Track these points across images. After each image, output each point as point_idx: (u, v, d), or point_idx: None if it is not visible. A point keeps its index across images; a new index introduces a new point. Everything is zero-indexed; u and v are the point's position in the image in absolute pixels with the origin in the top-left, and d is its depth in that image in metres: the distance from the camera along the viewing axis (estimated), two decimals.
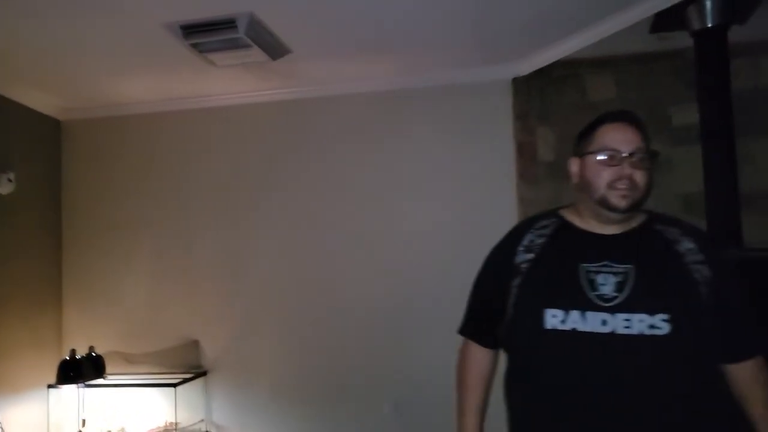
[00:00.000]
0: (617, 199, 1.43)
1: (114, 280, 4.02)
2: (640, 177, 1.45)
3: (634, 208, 1.45)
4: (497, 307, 1.54)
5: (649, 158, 1.46)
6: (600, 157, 1.46)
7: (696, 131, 3.20)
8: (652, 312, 1.35)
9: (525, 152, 3.51)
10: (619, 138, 1.46)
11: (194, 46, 3.03)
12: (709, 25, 2.91)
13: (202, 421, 3.79)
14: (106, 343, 3.91)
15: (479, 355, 1.64)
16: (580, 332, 1.38)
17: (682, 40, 3.14)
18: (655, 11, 2.91)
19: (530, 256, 1.51)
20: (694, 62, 3.02)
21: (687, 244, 1.45)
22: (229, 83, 3.70)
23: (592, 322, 1.37)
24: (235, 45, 3.02)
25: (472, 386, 1.63)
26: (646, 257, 1.43)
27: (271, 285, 3.82)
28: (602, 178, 1.45)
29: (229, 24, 2.88)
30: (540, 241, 1.53)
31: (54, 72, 3.48)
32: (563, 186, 3.40)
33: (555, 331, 1.40)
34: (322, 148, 3.80)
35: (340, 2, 2.77)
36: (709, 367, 1.43)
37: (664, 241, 1.46)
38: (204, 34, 2.94)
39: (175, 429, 3.67)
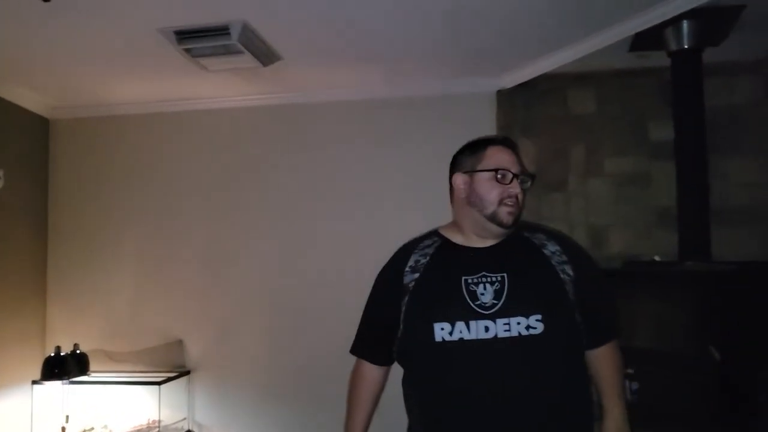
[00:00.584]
0: (506, 216, 1.59)
1: (99, 279, 4.05)
2: (521, 196, 1.62)
3: (516, 223, 1.61)
4: (389, 325, 1.66)
5: (530, 179, 1.64)
6: (496, 176, 1.60)
7: (672, 147, 3.33)
8: (527, 314, 1.51)
9: None
10: (507, 159, 1.62)
11: (187, 50, 3.09)
12: (686, 47, 3.04)
13: (185, 419, 3.83)
14: (89, 341, 3.94)
15: (371, 373, 1.79)
16: (467, 340, 1.51)
17: (660, 59, 3.25)
18: (635, 31, 3.02)
19: (416, 275, 1.63)
20: (671, 81, 3.14)
21: (552, 247, 1.61)
22: (218, 87, 3.76)
23: (475, 330, 1.51)
24: (227, 51, 3.08)
25: (362, 403, 1.81)
26: (518, 264, 1.58)
27: (256, 285, 3.89)
28: (493, 194, 1.59)
29: (222, 31, 2.94)
30: (423, 260, 1.65)
31: (45, 71, 3.51)
32: (544, 198, 3.53)
33: (444, 343, 1.52)
34: (307, 154, 3.88)
35: (330, 12, 2.84)
36: (579, 355, 1.61)
37: (532, 246, 1.63)
38: (197, 40, 2.99)
39: (158, 427, 3.71)
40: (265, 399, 3.82)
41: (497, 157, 1.62)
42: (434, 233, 1.73)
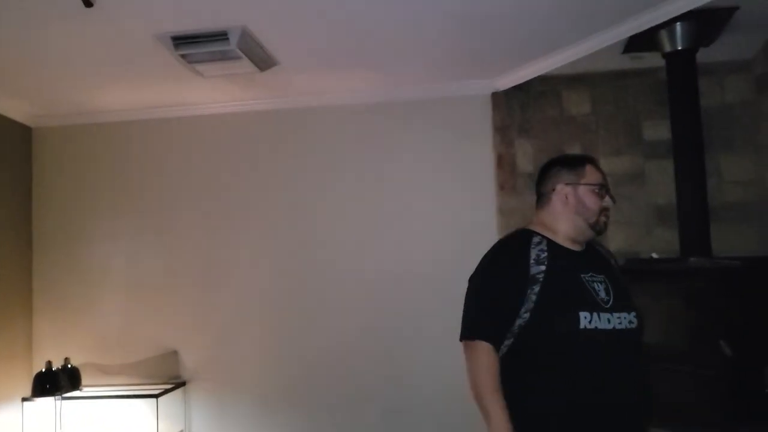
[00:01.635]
0: (604, 225, 1.86)
1: (88, 290, 3.95)
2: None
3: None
4: (513, 309, 1.77)
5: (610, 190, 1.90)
6: (598, 190, 1.85)
7: (666, 146, 3.39)
8: (629, 311, 1.78)
9: (504, 164, 3.63)
10: (602, 177, 1.89)
11: (183, 56, 3.03)
12: (680, 48, 3.09)
13: (182, 431, 3.76)
14: (80, 355, 3.84)
15: (493, 356, 1.79)
16: (599, 330, 1.72)
17: (653, 60, 3.32)
18: (629, 34, 3.06)
19: (542, 267, 1.78)
20: (666, 81, 3.20)
21: (612, 260, 1.94)
22: (212, 93, 3.71)
23: (604, 321, 1.73)
24: (224, 56, 3.03)
25: (497, 388, 1.76)
26: (606, 269, 1.86)
27: (252, 293, 3.83)
28: (597, 206, 1.84)
29: (221, 36, 2.90)
30: (543, 255, 1.81)
31: (30, 79, 3.42)
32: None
33: (586, 330, 1.72)
34: (304, 159, 3.84)
35: (329, 17, 2.82)
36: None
37: (605, 255, 1.94)
38: (194, 45, 2.95)
39: None
40: (263, 409, 3.76)
41: (596, 174, 1.88)
42: (532, 232, 1.88)
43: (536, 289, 1.75)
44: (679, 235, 3.08)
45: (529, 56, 3.40)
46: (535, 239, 1.83)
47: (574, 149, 3.56)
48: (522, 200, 3.58)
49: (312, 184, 3.82)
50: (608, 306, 1.74)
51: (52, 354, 3.76)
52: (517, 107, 3.64)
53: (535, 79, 3.55)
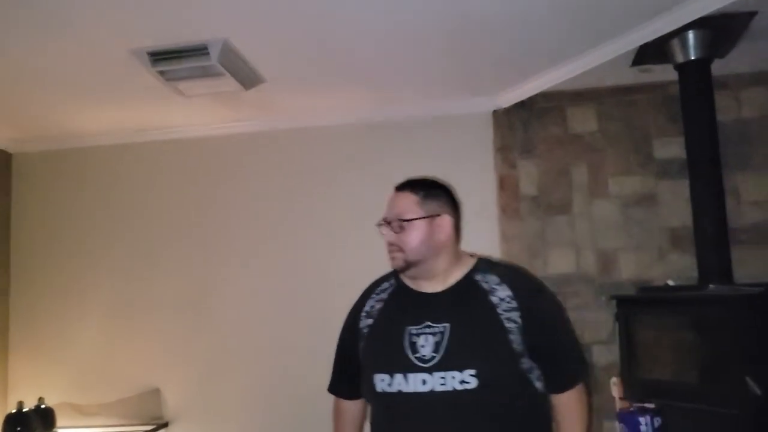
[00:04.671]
0: (390, 261, 1.65)
1: (66, 324, 3.72)
2: (404, 240, 1.60)
3: (407, 267, 1.61)
4: (353, 364, 1.69)
5: (402, 223, 1.61)
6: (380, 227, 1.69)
7: (678, 165, 3.18)
8: (461, 368, 1.48)
9: (507, 186, 3.41)
10: (388, 207, 1.69)
11: (161, 73, 2.85)
12: (693, 58, 2.88)
13: None
14: (56, 394, 3.59)
15: (348, 406, 1.78)
16: (405, 393, 1.51)
17: (663, 74, 3.12)
18: (639, 44, 2.87)
19: (369, 321, 1.67)
20: (680, 94, 2.99)
21: (502, 293, 1.57)
22: (196, 114, 3.52)
23: (414, 383, 1.50)
24: (206, 73, 2.85)
25: None
26: (462, 313, 1.56)
27: (239, 327, 3.59)
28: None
29: (200, 51, 2.71)
30: (378, 306, 1.68)
31: (6, 101, 3.25)
32: (548, 221, 3.33)
33: (384, 394, 1.54)
34: (294, 183, 3.64)
35: (318, 31, 2.65)
36: (528, 407, 1.56)
37: (480, 292, 1.59)
38: (173, 61, 2.76)
39: None
40: None
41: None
42: (392, 274, 1.74)
43: (361, 345, 1.67)
44: (697, 260, 2.84)
45: (531, 71, 3.21)
46: (383, 285, 1.73)
47: (581, 170, 3.35)
48: (525, 225, 3.36)
49: (303, 209, 3.61)
50: (429, 365, 1.49)
51: (27, 393, 3.51)
52: (520, 126, 3.44)
53: (537, 95, 3.36)
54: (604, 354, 3.17)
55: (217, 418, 3.55)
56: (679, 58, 2.91)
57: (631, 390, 2.83)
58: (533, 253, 3.33)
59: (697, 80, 2.91)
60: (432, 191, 1.69)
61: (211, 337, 3.60)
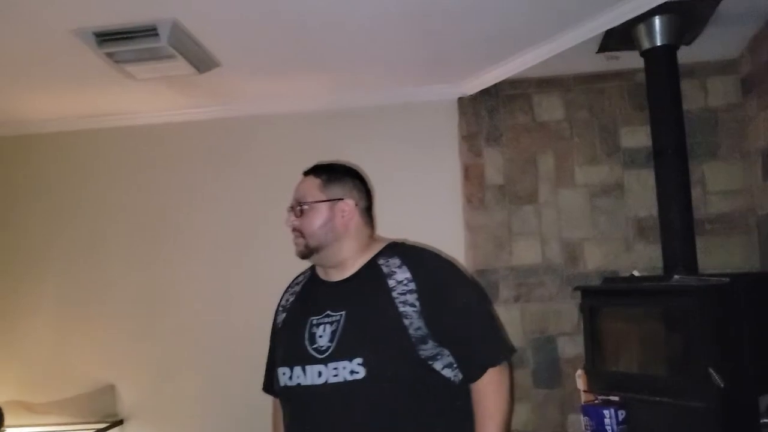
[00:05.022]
0: (294, 247, 1.59)
1: (15, 320, 3.55)
2: (301, 225, 1.58)
3: (309, 253, 1.58)
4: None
5: (303, 205, 1.59)
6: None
7: (645, 154, 3.13)
8: (350, 357, 1.42)
9: (472, 175, 3.32)
10: (293, 193, 1.66)
11: (109, 55, 2.70)
12: (659, 44, 2.82)
13: None
14: (5, 391, 3.44)
15: (276, 407, 1.74)
16: (303, 386, 1.46)
17: (630, 61, 3.06)
18: (603, 29, 2.81)
19: (284, 315, 1.64)
20: (646, 81, 2.94)
21: (401, 275, 1.50)
22: (148, 99, 3.37)
23: (311, 376, 1.46)
24: (156, 55, 2.71)
25: None
26: (358, 299, 1.51)
27: (196, 321, 3.46)
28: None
29: (149, 31, 2.57)
30: (291, 299, 1.65)
31: None
32: (513, 211, 3.26)
33: (286, 388, 1.51)
34: (253, 173, 3.51)
35: (275, 14, 2.53)
36: (430, 397, 1.47)
37: (379, 276, 1.52)
38: (121, 42, 2.61)
39: None
40: None
41: None
42: (311, 267, 1.70)
43: (277, 340, 1.66)
44: (662, 250, 2.79)
45: (497, 57, 3.13)
46: (298, 279, 1.70)
47: (547, 158, 3.28)
48: (491, 215, 3.28)
49: (263, 201, 3.47)
50: (325, 356, 1.44)
51: None
52: (486, 113, 3.36)
53: (504, 82, 3.28)
54: (570, 346, 3.12)
55: (175, 416, 3.43)
56: (645, 45, 2.85)
57: (595, 382, 2.78)
58: (499, 243, 3.26)
59: (663, 67, 2.85)
60: (336, 175, 1.67)
61: (168, 332, 3.47)
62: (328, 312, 1.50)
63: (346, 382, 1.41)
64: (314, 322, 1.51)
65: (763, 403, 2.40)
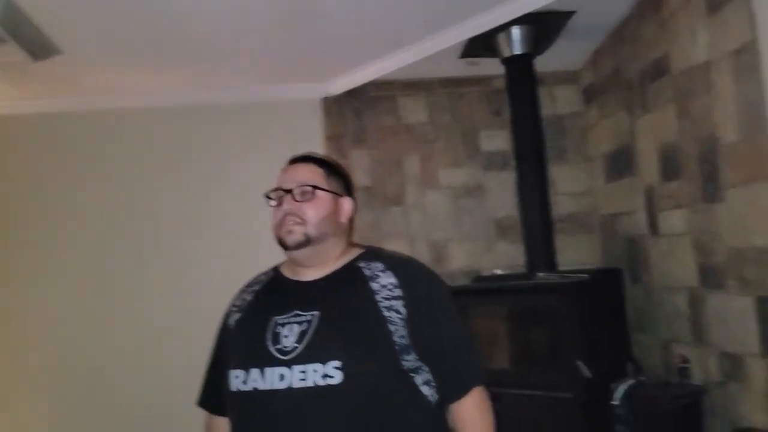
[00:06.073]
0: (285, 235, 1.39)
1: None
2: (306, 210, 1.40)
3: (307, 243, 1.40)
4: (223, 371, 1.44)
5: (314, 190, 1.41)
6: (269, 199, 1.44)
7: (503, 157, 3.28)
8: (324, 360, 1.28)
9: None
10: (286, 177, 1.45)
11: None
12: (517, 53, 2.97)
13: None
14: None
15: (218, 423, 1.50)
16: (261, 391, 1.31)
17: (490, 68, 3.18)
18: (467, 37, 2.90)
19: (238, 315, 1.47)
20: (506, 88, 3.07)
21: (386, 280, 1.38)
22: None
23: (270, 379, 1.31)
24: None
25: None
26: (336, 300, 1.38)
27: (44, 340, 3.10)
28: (274, 218, 1.43)
29: None
30: (249, 298, 1.49)
31: None
32: (381, 212, 3.26)
33: (239, 393, 1.34)
34: (104, 172, 3.21)
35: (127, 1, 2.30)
36: (411, 410, 1.36)
37: (360, 278, 1.40)
38: None
39: None
40: None
41: (279, 178, 1.46)
42: (273, 267, 1.53)
43: (228, 343, 1.46)
44: (525, 249, 2.93)
45: (363, 58, 3.12)
46: (259, 278, 1.53)
47: (413, 161, 3.33)
48: (359, 217, 3.20)
49: (118, 201, 3.17)
50: (289, 357, 1.30)
51: None
52: (351, 114, 3.33)
53: (370, 84, 3.27)
54: None
55: None
56: (505, 52, 2.99)
57: None
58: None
59: (521, 75, 3.00)
60: (335, 170, 1.51)
61: (13, 349, 3.07)
62: (297, 312, 1.35)
63: (316, 387, 1.26)
64: (279, 321, 1.35)
65: (613, 388, 2.61)
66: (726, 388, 2.24)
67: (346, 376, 1.26)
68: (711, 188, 2.27)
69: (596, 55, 3.28)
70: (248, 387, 1.31)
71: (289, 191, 1.40)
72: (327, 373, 1.27)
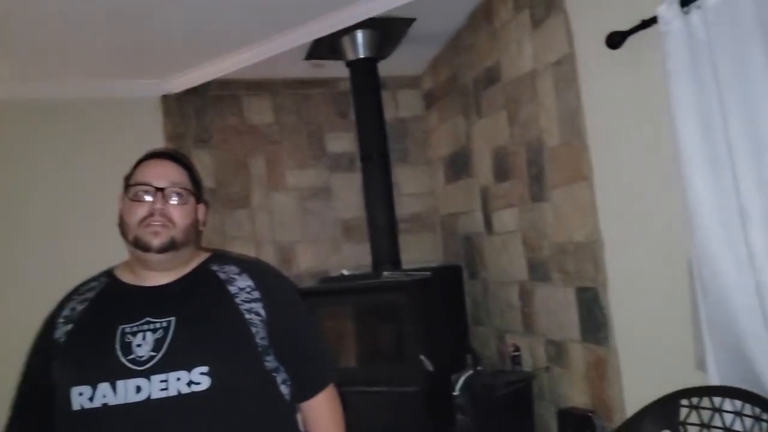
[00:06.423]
0: (150, 236, 1.30)
1: None
2: (176, 213, 1.33)
3: (172, 247, 1.32)
4: (43, 393, 1.29)
5: (187, 193, 1.35)
6: (132, 192, 1.32)
7: (349, 158, 3.33)
8: (190, 367, 1.23)
9: None
10: (155, 172, 1.35)
11: None
12: (361, 56, 3.03)
13: None
14: None
15: None
16: (112, 406, 1.21)
17: (336, 70, 3.22)
18: (312, 38, 2.91)
19: (68, 327, 1.32)
20: (351, 91, 3.11)
21: (243, 283, 1.37)
22: None
23: (124, 393, 1.21)
24: None
25: None
26: (193, 305, 1.33)
27: None
28: (136, 215, 1.31)
29: None
30: (81, 308, 1.34)
31: None
32: (227, 215, 3.17)
33: (83, 411, 1.22)
34: None
35: None
36: (275, 409, 1.37)
37: (216, 282, 1.36)
38: None
39: None
40: None
41: (145, 171, 1.34)
42: (105, 273, 1.41)
43: (56, 362, 1.31)
44: (371, 248, 3.00)
45: (204, 56, 3.01)
46: (90, 284, 1.39)
47: (258, 162, 3.28)
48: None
49: None
50: (145, 367, 1.22)
51: None
52: (193, 113, 3.20)
53: (213, 82, 3.17)
54: None
55: None
56: (350, 56, 3.04)
57: None
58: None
59: (365, 78, 3.07)
60: (195, 172, 1.43)
61: None
62: (148, 319, 1.26)
63: (180, 396, 1.19)
64: (127, 330, 1.25)
65: (454, 380, 2.74)
66: (551, 372, 2.44)
67: (214, 382, 1.22)
68: (537, 188, 2.46)
69: (435, 62, 3.43)
70: (95, 404, 1.21)
71: (160, 189, 1.31)
72: (193, 380, 1.21)
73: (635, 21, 1.76)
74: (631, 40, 1.82)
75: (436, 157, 3.50)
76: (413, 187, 3.54)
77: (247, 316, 1.31)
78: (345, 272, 3.22)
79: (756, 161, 1.41)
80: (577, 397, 2.29)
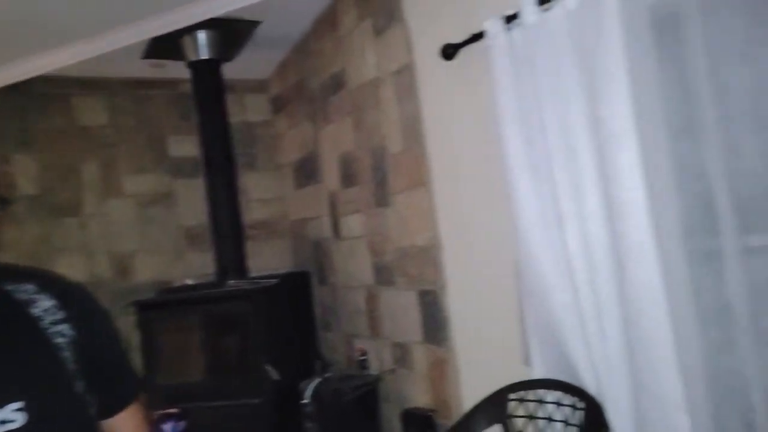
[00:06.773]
0: None
1: None
2: None
3: None
4: None
5: None
6: None
7: (193, 164, 3.19)
8: (1, 404, 1.11)
9: (0, 184, 2.84)
10: None
11: None
12: (204, 58, 2.92)
13: None
14: None
15: None
16: None
17: (177, 71, 3.07)
18: (149, 36, 2.76)
19: None
20: (193, 93, 2.99)
21: (45, 303, 1.23)
22: None
23: None
24: None
25: None
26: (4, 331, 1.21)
27: None
28: None
29: None
30: None
31: None
32: (53, 224, 2.91)
33: None
34: None
35: None
36: None
37: (14, 306, 1.22)
38: None
39: None
40: None
41: None
42: None
43: None
44: (215, 256, 2.89)
45: (24, 49, 2.74)
46: None
47: (91, 167, 3.05)
48: (24, 230, 2.86)
49: None
50: None
51: None
52: (14, 113, 2.91)
53: (37, 79, 2.89)
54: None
55: None
56: (192, 56, 2.92)
57: (154, 398, 2.69)
58: (37, 262, 2.86)
59: (208, 80, 2.96)
60: None
61: None
62: None
63: None
64: None
65: (302, 387, 2.72)
66: (396, 374, 2.49)
67: (31, 417, 1.09)
68: (381, 194, 2.50)
69: (283, 67, 3.39)
70: None
71: None
72: (6, 419, 1.08)
73: (467, 34, 1.84)
74: (463, 53, 1.90)
75: (286, 162, 3.46)
76: (262, 192, 3.47)
77: (56, 340, 1.18)
78: (189, 282, 3.08)
79: (571, 169, 1.52)
80: (420, 397, 2.35)
